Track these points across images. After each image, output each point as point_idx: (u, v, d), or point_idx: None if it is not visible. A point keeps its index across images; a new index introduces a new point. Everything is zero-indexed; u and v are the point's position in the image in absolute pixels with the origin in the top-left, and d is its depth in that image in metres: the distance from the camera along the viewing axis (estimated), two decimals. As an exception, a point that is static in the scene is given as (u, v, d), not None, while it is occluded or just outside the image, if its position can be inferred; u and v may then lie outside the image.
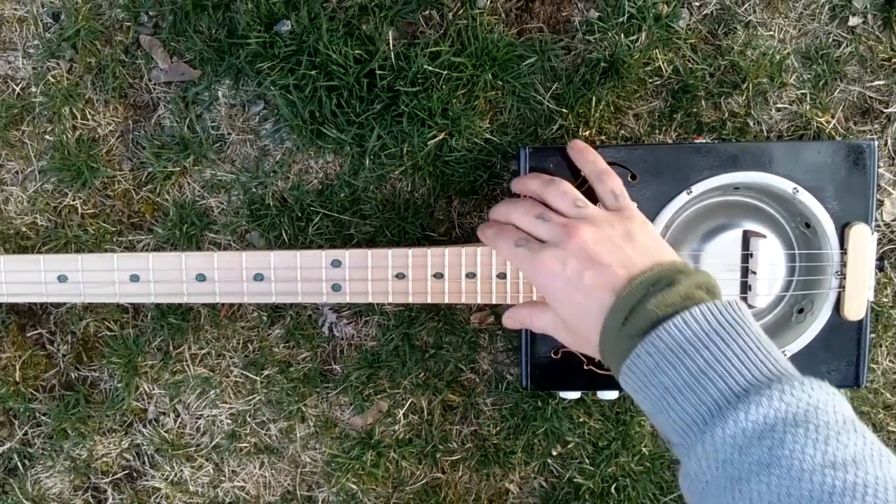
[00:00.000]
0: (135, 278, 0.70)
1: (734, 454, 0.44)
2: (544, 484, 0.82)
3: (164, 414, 0.82)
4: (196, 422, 0.82)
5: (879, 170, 0.73)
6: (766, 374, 0.46)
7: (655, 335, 0.49)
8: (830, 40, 0.74)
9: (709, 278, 0.52)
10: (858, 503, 0.39)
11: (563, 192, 0.60)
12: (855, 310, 0.69)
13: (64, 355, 0.82)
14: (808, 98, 0.74)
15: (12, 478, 0.84)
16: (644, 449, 0.80)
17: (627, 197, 0.60)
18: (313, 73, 0.73)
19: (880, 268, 0.71)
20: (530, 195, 0.62)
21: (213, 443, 0.82)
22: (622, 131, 0.75)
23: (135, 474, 0.84)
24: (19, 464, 0.84)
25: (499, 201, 0.76)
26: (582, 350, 0.59)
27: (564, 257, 0.55)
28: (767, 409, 0.44)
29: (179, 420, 0.83)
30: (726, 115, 0.75)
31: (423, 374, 0.80)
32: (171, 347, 0.81)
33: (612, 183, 0.61)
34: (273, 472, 0.83)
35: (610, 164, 0.67)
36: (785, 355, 0.69)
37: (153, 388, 0.82)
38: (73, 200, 0.79)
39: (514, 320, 0.63)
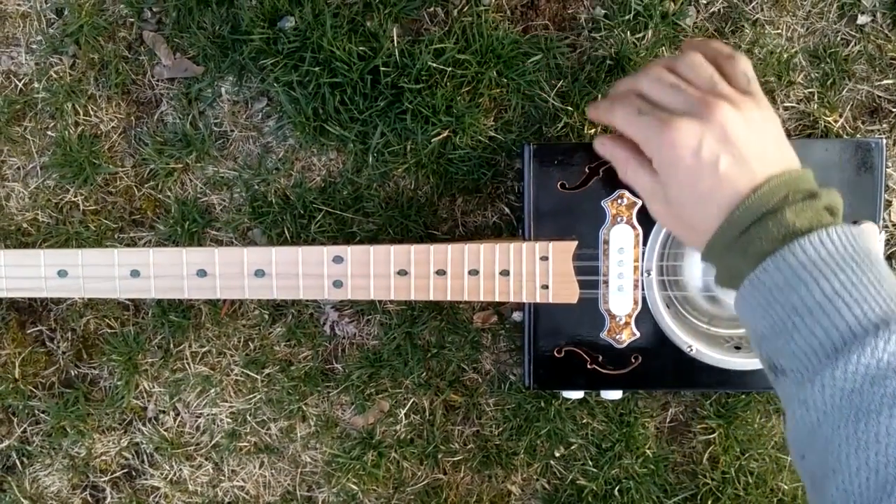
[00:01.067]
0: (135, 273, 0.69)
1: (865, 385, 0.41)
2: (547, 486, 0.81)
3: (163, 412, 0.82)
4: (196, 420, 0.82)
5: (888, 169, 0.73)
6: (879, 313, 0.43)
7: (791, 249, 0.46)
8: (839, 39, 0.73)
9: (839, 199, 0.50)
10: None
11: (699, 64, 0.53)
12: (863, 310, 0.68)
13: (64, 352, 0.82)
14: (815, 97, 0.74)
15: (10, 476, 0.83)
16: (648, 451, 0.79)
17: (756, 79, 0.54)
18: (317, 69, 0.73)
19: (888, 268, 0.70)
20: (654, 78, 0.54)
21: (213, 442, 0.82)
22: (627, 129, 0.74)
23: (134, 473, 0.83)
24: (18, 462, 0.83)
25: (506, 197, 0.76)
26: (675, 230, 0.55)
27: (702, 132, 0.49)
28: None
29: (179, 419, 0.82)
30: (733, 113, 0.74)
31: (425, 374, 0.79)
32: (171, 345, 0.80)
33: (744, 64, 0.53)
34: (273, 471, 0.82)
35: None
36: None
37: (153, 386, 0.81)
38: (75, 197, 0.79)
39: (608, 150, 0.57)
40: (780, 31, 0.73)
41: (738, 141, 0.49)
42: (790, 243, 0.46)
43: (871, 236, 0.66)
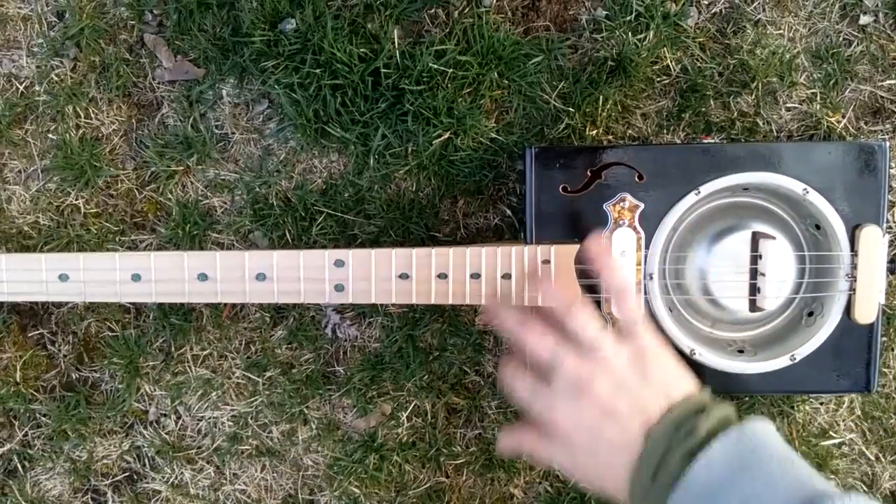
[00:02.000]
0: (136, 277, 0.69)
1: None
2: (549, 489, 0.81)
3: (165, 415, 0.82)
4: (197, 424, 0.82)
5: (891, 171, 0.72)
6: (797, 497, 0.46)
7: (683, 486, 0.48)
8: (841, 39, 0.73)
9: (725, 411, 0.52)
10: None
11: (580, 326, 0.56)
12: (866, 313, 0.68)
13: (65, 356, 0.82)
14: (818, 97, 0.73)
15: (12, 479, 0.83)
16: (651, 454, 0.79)
17: (641, 322, 0.57)
18: (318, 71, 0.72)
19: (892, 270, 0.69)
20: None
21: (215, 445, 0.82)
22: (630, 131, 0.74)
23: (135, 476, 0.83)
24: (19, 465, 0.83)
25: (508, 198, 0.75)
26: (596, 489, 0.57)
27: (580, 411, 0.54)
28: None
29: (181, 422, 0.82)
30: (735, 114, 0.74)
31: (426, 377, 0.79)
32: (172, 348, 0.80)
33: (630, 306, 0.57)
34: (274, 475, 0.82)
35: (617, 164, 0.67)
36: (795, 360, 0.68)
37: (154, 390, 0.81)
38: (76, 200, 0.78)
39: (512, 447, 0.58)
40: (782, 31, 0.73)
41: (616, 408, 0.53)
42: (681, 479, 0.48)
43: (875, 240, 0.66)
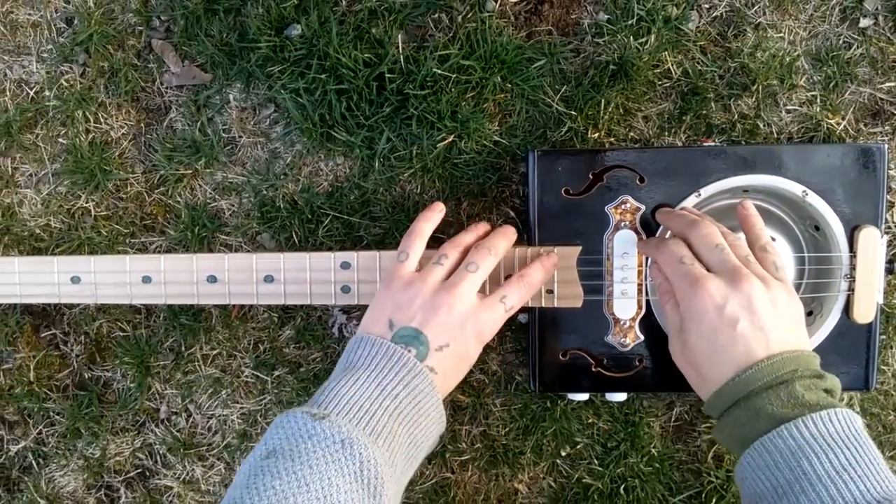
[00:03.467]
0: (147, 280, 0.71)
1: None
2: (553, 484, 0.82)
3: (176, 414, 0.83)
4: (208, 421, 0.83)
5: (890, 172, 0.73)
6: (876, 494, 0.49)
7: (805, 421, 0.52)
8: (841, 42, 0.74)
9: (839, 383, 0.57)
10: None
11: (742, 240, 0.62)
12: (865, 313, 0.69)
13: (77, 355, 0.83)
14: (818, 100, 0.74)
15: (27, 476, 0.85)
16: (653, 450, 0.80)
17: (785, 269, 0.61)
18: (323, 76, 0.73)
19: (890, 270, 0.70)
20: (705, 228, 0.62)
21: (225, 442, 0.83)
22: (631, 133, 0.75)
23: (147, 473, 0.85)
24: (34, 462, 0.85)
25: (511, 200, 0.76)
26: (685, 372, 0.61)
27: (728, 295, 0.57)
28: None
29: (191, 420, 0.83)
30: (736, 117, 0.74)
31: (432, 375, 0.80)
32: (182, 348, 0.81)
33: (774, 255, 0.61)
34: (284, 471, 0.83)
35: (618, 166, 0.68)
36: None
37: (165, 388, 0.83)
38: (87, 203, 0.80)
39: (658, 278, 0.63)
40: (782, 34, 0.74)
41: (760, 312, 0.56)
42: (806, 415, 0.52)
43: (874, 241, 0.67)
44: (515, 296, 0.64)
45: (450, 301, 0.60)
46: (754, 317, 0.56)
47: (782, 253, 0.69)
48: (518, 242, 0.74)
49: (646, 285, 0.69)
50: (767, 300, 0.57)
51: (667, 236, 0.67)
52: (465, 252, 0.65)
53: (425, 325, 0.59)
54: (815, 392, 0.54)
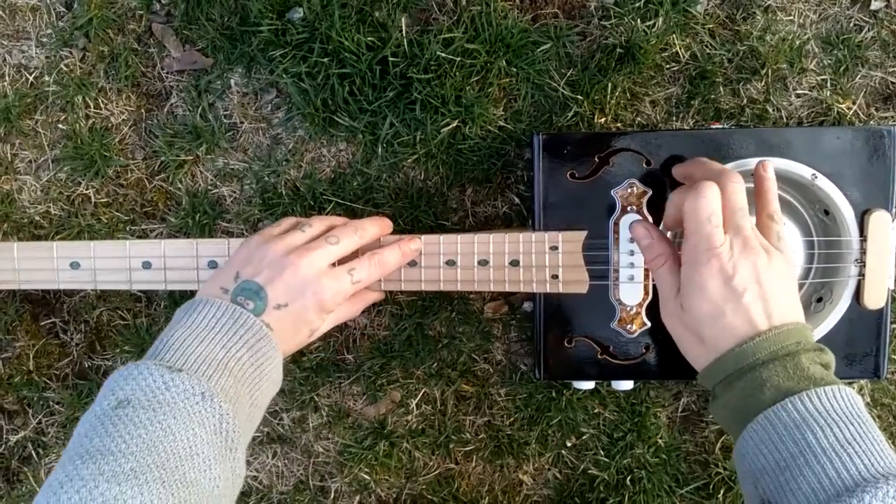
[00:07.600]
0: (147, 265, 0.70)
1: None
2: (558, 475, 0.81)
3: (176, 403, 0.82)
4: (209, 411, 0.82)
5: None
6: (880, 469, 0.49)
7: (809, 394, 0.52)
8: (852, 25, 0.73)
9: (833, 357, 0.57)
10: None
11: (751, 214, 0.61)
12: (875, 298, 0.68)
13: (77, 344, 0.82)
14: (828, 84, 0.73)
15: (27, 466, 0.84)
16: (660, 440, 0.79)
17: (786, 241, 0.61)
18: (325, 60, 0.72)
19: (902, 256, 0.69)
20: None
21: (226, 432, 0.82)
22: (638, 118, 0.74)
23: (148, 463, 0.84)
24: (33, 452, 0.84)
25: (516, 187, 0.75)
26: (679, 336, 0.60)
27: (737, 264, 0.56)
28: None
29: (192, 409, 0.82)
30: (745, 101, 0.73)
31: (436, 364, 0.79)
32: (183, 336, 0.80)
33: (780, 225, 0.60)
34: (286, 461, 0.83)
35: (625, 150, 0.67)
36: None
37: (166, 378, 0.82)
38: (87, 189, 0.79)
39: (647, 240, 0.62)
40: (792, 17, 0.73)
41: (765, 284, 0.56)
42: (811, 389, 0.52)
43: (884, 225, 0.66)
44: (364, 271, 0.64)
45: (297, 263, 0.61)
46: (760, 288, 0.56)
47: (791, 237, 0.68)
48: (523, 227, 0.73)
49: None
50: (772, 271, 0.57)
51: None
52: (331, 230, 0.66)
53: (269, 283, 0.60)
54: (817, 366, 0.54)
